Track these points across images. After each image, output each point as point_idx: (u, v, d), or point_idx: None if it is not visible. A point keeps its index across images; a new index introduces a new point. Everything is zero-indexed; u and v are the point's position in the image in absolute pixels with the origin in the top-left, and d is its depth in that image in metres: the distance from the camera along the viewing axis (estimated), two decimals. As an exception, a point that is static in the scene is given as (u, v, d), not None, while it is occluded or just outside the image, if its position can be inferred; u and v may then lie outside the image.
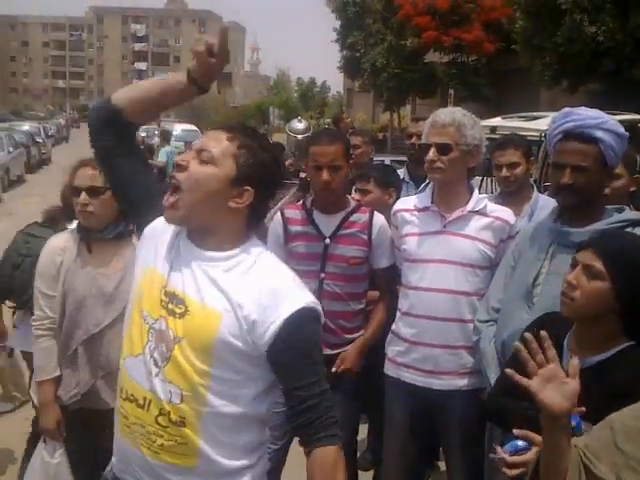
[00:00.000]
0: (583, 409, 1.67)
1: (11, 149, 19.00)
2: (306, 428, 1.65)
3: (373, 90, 28.52)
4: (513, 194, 3.52)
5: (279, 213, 3.05)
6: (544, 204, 3.36)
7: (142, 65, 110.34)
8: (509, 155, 3.51)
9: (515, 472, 1.83)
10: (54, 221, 3.26)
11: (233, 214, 1.71)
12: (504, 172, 3.52)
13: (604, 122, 2.31)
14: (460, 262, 2.71)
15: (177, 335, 1.65)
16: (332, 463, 1.63)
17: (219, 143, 1.69)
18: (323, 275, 2.90)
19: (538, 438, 1.78)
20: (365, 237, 2.93)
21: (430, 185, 2.93)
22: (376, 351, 2.98)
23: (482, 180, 5.50)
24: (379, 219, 2.98)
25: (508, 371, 1.63)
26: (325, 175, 2.82)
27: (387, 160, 9.32)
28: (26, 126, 27.39)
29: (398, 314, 2.88)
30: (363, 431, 3.92)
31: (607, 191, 2.47)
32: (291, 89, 66.22)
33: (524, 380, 1.59)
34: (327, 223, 2.94)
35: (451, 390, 2.74)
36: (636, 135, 4.43)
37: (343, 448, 1.67)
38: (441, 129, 2.69)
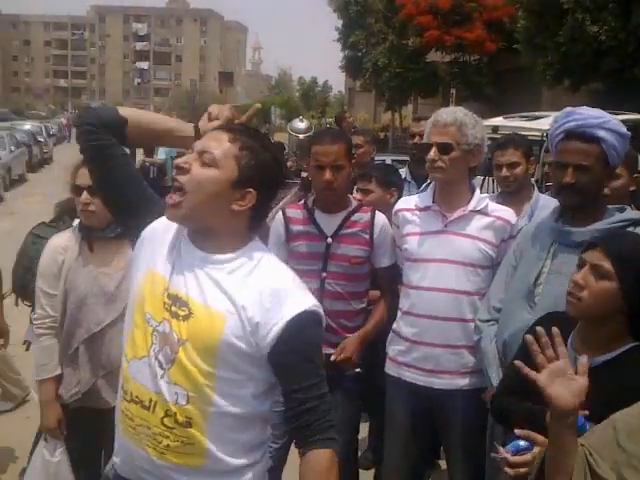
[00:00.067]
0: (587, 412, 1.67)
1: (13, 148, 19.01)
2: (303, 430, 1.65)
3: (375, 89, 28.49)
4: (513, 194, 3.52)
5: (280, 212, 3.05)
6: (545, 204, 3.36)
7: (144, 64, 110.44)
8: (509, 155, 3.51)
9: (517, 472, 1.83)
10: (66, 215, 3.24)
11: (236, 216, 1.71)
12: (504, 172, 3.52)
13: (606, 121, 2.31)
14: (461, 262, 2.71)
15: (181, 337, 1.66)
16: (325, 466, 1.63)
17: (220, 144, 1.68)
18: (325, 274, 2.90)
19: (540, 438, 1.78)
20: (367, 236, 2.93)
21: (431, 185, 2.93)
22: (377, 350, 2.98)
23: (484, 180, 5.50)
24: (380, 218, 2.98)
25: (517, 363, 1.63)
26: (327, 175, 2.82)
27: (388, 160, 9.31)
28: (28, 125, 27.42)
29: (399, 313, 2.88)
30: (364, 430, 3.93)
31: (606, 191, 2.47)
32: (293, 88, 66.26)
33: (532, 373, 1.59)
34: (329, 222, 2.94)
35: (452, 389, 2.74)
36: (638, 135, 4.42)
37: (340, 453, 1.67)
38: (442, 128, 2.69)
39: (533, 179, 4.21)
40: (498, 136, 5.44)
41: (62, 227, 3.09)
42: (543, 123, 6.37)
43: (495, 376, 2.48)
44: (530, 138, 4.55)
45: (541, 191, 3.87)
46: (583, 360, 1.59)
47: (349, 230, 2.92)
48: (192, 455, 1.67)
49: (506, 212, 2.81)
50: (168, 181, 11.98)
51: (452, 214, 2.74)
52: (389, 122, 31.13)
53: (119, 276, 2.69)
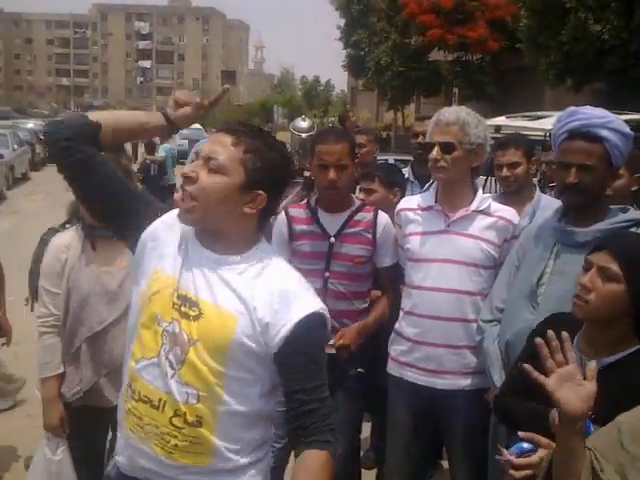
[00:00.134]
0: (589, 414, 1.67)
1: (16, 147, 19.06)
2: (301, 430, 1.65)
3: (377, 89, 28.50)
4: (514, 194, 3.50)
5: (283, 212, 3.04)
6: (546, 204, 3.35)
7: (146, 63, 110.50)
8: (509, 155, 3.50)
9: (522, 474, 1.83)
10: (75, 218, 3.23)
11: (246, 218, 1.72)
12: (504, 172, 3.50)
13: (610, 121, 2.31)
14: (464, 262, 2.70)
15: (192, 337, 1.67)
16: (319, 466, 1.61)
17: (225, 149, 1.68)
18: (328, 274, 2.90)
19: (544, 440, 1.78)
20: (370, 236, 2.93)
21: (434, 184, 2.92)
22: (379, 350, 2.98)
23: (486, 180, 5.49)
24: (383, 218, 2.97)
25: (526, 366, 1.62)
26: (331, 174, 2.82)
27: (391, 159, 9.31)
28: (30, 124, 27.44)
29: (401, 313, 2.88)
30: (366, 430, 3.93)
31: (608, 191, 2.46)
32: (295, 87, 66.31)
33: (541, 377, 1.58)
34: (331, 222, 2.93)
35: (454, 390, 2.73)
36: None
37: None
38: (445, 128, 2.69)
39: (536, 179, 4.20)
40: (500, 136, 5.43)
41: None
42: (546, 123, 6.35)
43: (498, 376, 2.48)
44: (533, 138, 4.54)
45: (542, 191, 3.85)
46: (592, 365, 1.58)
47: (352, 230, 2.92)
48: (200, 454, 1.69)
49: (509, 212, 2.80)
50: (168, 179, 12.05)
51: (454, 214, 2.74)
52: (391, 121, 31.15)
53: (122, 275, 2.70)
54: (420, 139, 4.17)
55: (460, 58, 22.37)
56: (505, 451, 1.90)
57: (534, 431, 1.84)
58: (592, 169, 2.29)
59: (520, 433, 1.83)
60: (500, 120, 7.51)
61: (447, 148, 2.66)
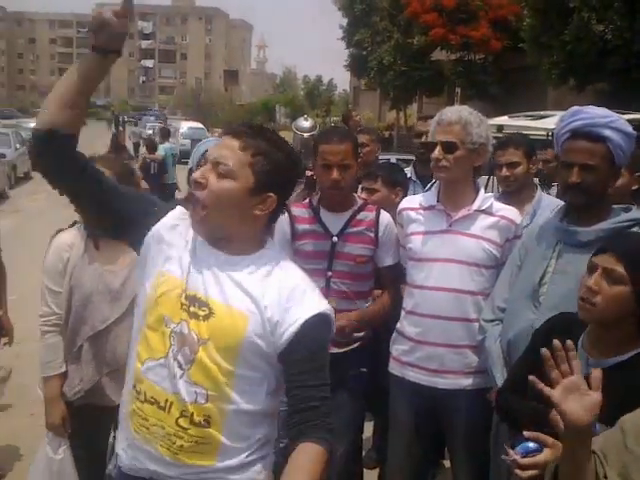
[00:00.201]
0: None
1: (18, 146, 19.05)
2: (299, 427, 1.64)
3: (379, 88, 28.51)
4: (514, 194, 3.47)
5: (286, 211, 3.04)
6: (548, 204, 3.34)
7: (149, 62, 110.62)
8: (509, 155, 3.48)
9: (527, 474, 1.82)
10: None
11: (256, 220, 1.74)
12: (504, 172, 3.49)
13: (613, 121, 2.30)
14: (465, 261, 2.70)
15: (201, 337, 1.67)
16: (312, 459, 1.57)
17: (233, 154, 1.68)
18: (330, 273, 2.90)
19: (550, 440, 1.77)
20: (372, 235, 2.93)
21: (436, 184, 2.92)
22: (381, 350, 2.98)
23: (488, 179, 5.48)
24: (385, 217, 2.97)
25: (531, 378, 1.61)
26: (335, 174, 2.82)
27: (393, 159, 9.32)
28: (33, 123, 27.20)
29: (403, 313, 2.87)
30: (368, 429, 3.92)
31: (609, 190, 2.46)
32: (297, 87, 66.30)
33: (547, 389, 1.58)
34: (334, 221, 2.93)
35: (456, 389, 2.73)
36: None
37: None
38: (447, 127, 2.68)
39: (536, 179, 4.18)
40: (502, 135, 5.42)
41: None
42: (548, 122, 6.35)
43: (500, 376, 2.47)
44: (535, 138, 4.53)
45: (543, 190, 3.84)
46: (597, 374, 1.57)
47: (354, 229, 2.92)
48: (206, 454, 1.69)
49: (511, 212, 2.80)
50: (168, 178, 12.08)
51: (456, 213, 2.74)
52: (394, 121, 31.14)
53: (124, 274, 2.70)
54: (422, 139, 4.17)
55: (463, 58, 22.36)
56: (511, 451, 1.89)
57: (537, 430, 1.83)
58: (595, 169, 2.29)
59: (525, 433, 1.83)
60: (502, 120, 7.52)
61: (449, 148, 2.66)
